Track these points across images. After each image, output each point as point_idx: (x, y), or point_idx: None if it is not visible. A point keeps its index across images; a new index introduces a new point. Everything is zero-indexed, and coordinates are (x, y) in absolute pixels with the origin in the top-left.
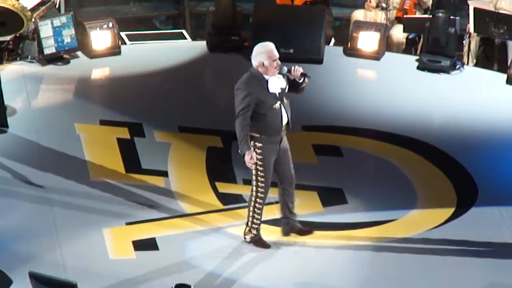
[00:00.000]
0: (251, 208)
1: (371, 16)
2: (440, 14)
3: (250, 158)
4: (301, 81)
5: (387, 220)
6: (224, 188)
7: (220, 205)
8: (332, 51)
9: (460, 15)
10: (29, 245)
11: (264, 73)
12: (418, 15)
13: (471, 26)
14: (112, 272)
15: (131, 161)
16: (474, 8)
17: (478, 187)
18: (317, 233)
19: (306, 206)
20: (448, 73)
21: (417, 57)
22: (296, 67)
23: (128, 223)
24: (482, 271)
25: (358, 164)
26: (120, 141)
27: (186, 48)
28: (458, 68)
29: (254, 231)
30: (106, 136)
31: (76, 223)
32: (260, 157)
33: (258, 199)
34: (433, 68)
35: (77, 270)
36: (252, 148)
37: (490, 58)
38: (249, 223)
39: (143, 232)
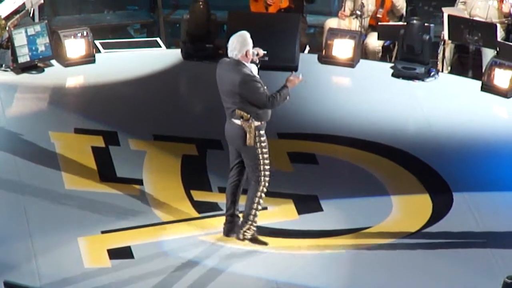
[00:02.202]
0: (256, 202)
1: (345, 24)
2: (415, 22)
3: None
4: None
5: (363, 227)
6: (199, 196)
7: (195, 213)
8: (307, 59)
9: (435, 22)
10: (3, 253)
11: (246, 62)
12: (392, 22)
13: (445, 33)
14: (88, 280)
15: (106, 170)
16: (449, 15)
17: (453, 194)
18: (293, 240)
19: (282, 214)
20: (423, 80)
21: (391, 64)
22: (258, 49)
23: (103, 232)
24: (459, 276)
25: (334, 172)
26: (95, 149)
27: (161, 56)
28: (433, 75)
29: (254, 228)
30: (80, 145)
31: (51, 232)
32: (264, 144)
33: (265, 189)
34: (407, 75)
35: (52, 279)
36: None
37: (464, 65)
38: (251, 220)
39: (118, 240)
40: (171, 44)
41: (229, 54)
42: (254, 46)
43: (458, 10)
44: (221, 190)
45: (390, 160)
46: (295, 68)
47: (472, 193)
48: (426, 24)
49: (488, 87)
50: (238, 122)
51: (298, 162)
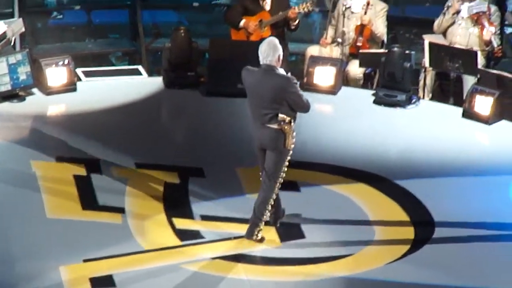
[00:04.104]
0: (270, 202)
1: (326, 52)
2: (395, 49)
3: None
4: None
5: (345, 255)
6: (182, 224)
7: (177, 241)
8: None
9: (415, 49)
10: None
11: (278, 67)
12: (373, 50)
13: (426, 61)
14: None
15: (88, 198)
16: (429, 43)
17: (434, 221)
18: (275, 268)
19: (264, 241)
20: (404, 107)
21: (373, 92)
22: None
23: (85, 260)
24: None
25: (316, 199)
26: (77, 177)
27: (142, 84)
28: (414, 102)
29: (262, 227)
30: (62, 173)
31: (32, 260)
32: (295, 140)
33: (277, 190)
34: (389, 103)
35: None
36: None
37: (445, 92)
38: (263, 220)
39: (100, 269)
40: (152, 72)
41: (262, 61)
42: (234, 75)
43: (438, 38)
44: (204, 218)
45: (372, 187)
46: None
47: (453, 220)
48: (407, 52)
49: (469, 114)
50: (275, 126)
51: (281, 190)
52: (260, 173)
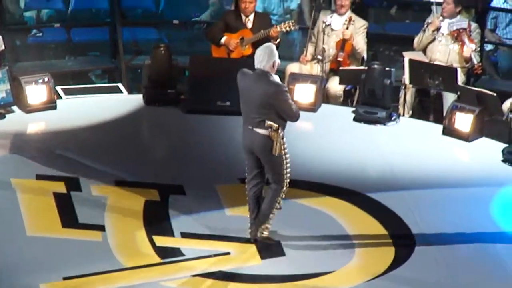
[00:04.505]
0: (277, 202)
1: (306, 69)
2: (375, 66)
3: None
4: None
5: (325, 272)
6: (162, 241)
7: (157, 259)
8: None
9: (396, 66)
10: None
11: (272, 73)
12: (353, 66)
13: (406, 78)
14: None
15: (68, 216)
16: (409, 60)
17: (414, 237)
18: (256, 285)
19: (245, 259)
20: (384, 124)
21: (353, 109)
22: None
23: (65, 278)
24: None
25: (296, 216)
26: (57, 195)
27: (123, 101)
28: (394, 119)
29: (270, 226)
30: (42, 191)
31: (12, 278)
32: (287, 150)
33: (285, 189)
34: (369, 120)
35: None
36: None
37: (425, 109)
38: (270, 219)
39: (81, 286)
40: (132, 90)
41: (257, 66)
42: (214, 93)
43: (418, 55)
44: (184, 235)
45: (352, 204)
46: None
47: (434, 236)
48: (387, 69)
49: (449, 131)
50: (264, 132)
51: None
52: (246, 174)
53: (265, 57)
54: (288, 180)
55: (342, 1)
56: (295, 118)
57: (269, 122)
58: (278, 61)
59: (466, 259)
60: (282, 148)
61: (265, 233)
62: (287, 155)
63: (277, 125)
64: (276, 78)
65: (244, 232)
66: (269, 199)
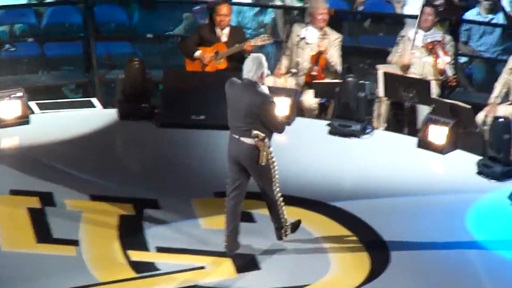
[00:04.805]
0: (281, 208)
1: (281, 82)
2: (350, 79)
3: None
4: None
5: (301, 285)
6: (137, 256)
7: (133, 273)
8: None
9: (370, 79)
10: None
11: (260, 83)
12: (328, 79)
13: (380, 90)
14: None
15: (42, 231)
16: (384, 73)
17: (389, 250)
18: None
19: (220, 273)
20: (359, 137)
21: (328, 122)
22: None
23: None
24: None
25: (271, 230)
26: (31, 210)
27: (96, 116)
28: (369, 132)
29: (289, 224)
30: (16, 206)
31: None
32: (274, 158)
33: (280, 197)
34: (344, 133)
35: None
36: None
37: (400, 121)
38: (284, 221)
39: None
40: (107, 104)
41: (245, 76)
42: (188, 107)
43: (393, 67)
44: (159, 249)
45: (327, 217)
46: None
47: (408, 249)
48: (361, 82)
49: (423, 144)
50: (250, 141)
51: None
52: (227, 186)
53: (254, 67)
54: (279, 189)
55: (323, 16)
56: (280, 129)
57: (255, 132)
58: (267, 71)
59: (441, 268)
60: (269, 157)
61: (288, 232)
62: (275, 164)
63: (264, 135)
64: (264, 89)
65: (220, 246)
66: (272, 207)
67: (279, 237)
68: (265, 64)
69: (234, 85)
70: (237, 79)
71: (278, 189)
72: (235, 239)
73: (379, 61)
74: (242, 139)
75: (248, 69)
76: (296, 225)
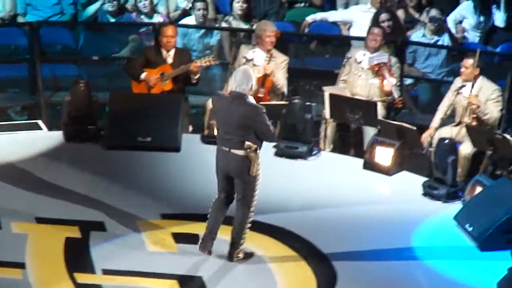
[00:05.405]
0: (247, 227)
1: None
2: (296, 101)
3: None
4: None
5: None
6: (83, 278)
7: None
8: (190, 139)
9: (316, 101)
10: None
11: (248, 95)
12: (274, 101)
13: (327, 112)
14: None
15: None
16: (330, 94)
17: (336, 272)
18: None
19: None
20: (305, 159)
21: (274, 144)
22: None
23: None
24: None
25: (218, 252)
26: None
27: (42, 138)
28: (315, 154)
29: (243, 247)
30: None
31: None
32: (260, 171)
33: (253, 214)
34: (290, 154)
35: None
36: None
37: (346, 143)
38: (241, 242)
39: None
40: (52, 126)
41: (236, 88)
42: (134, 128)
43: (339, 89)
44: (105, 272)
45: (274, 239)
46: (177, 149)
47: (356, 271)
48: (307, 103)
49: (370, 165)
50: (241, 152)
51: (183, 243)
52: (215, 199)
53: (245, 80)
54: (255, 203)
55: (271, 38)
56: (272, 138)
57: (247, 143)
58: (255, 83)
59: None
60: (258, 169)
61: (240, 255)
62: (260, 177)
63: (256, 146)
64: (252, 100)
65: (166, 268)
66: (239, 224)
67: (230, 257)
68: (253, 77)
69: (222, 99)
70: (223, 92)
71: (255, 203)
72: (211, 240)
73: (326, 83)
74: (233, 151)
75: (240, 82)
76: (249, 255)
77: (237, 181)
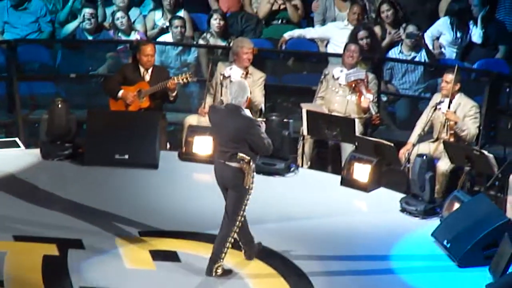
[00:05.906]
0: (228, 241)
1: (205, 121)
2: (274, 117)
3: None
4: None
5: None
6: None
7: None
8: (167, 156)
9: (294, 117)
10: None
11: (244, 108)
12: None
13: (304, 129)
14: None
15: None
16: (307, 111)
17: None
18: None
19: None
20: (283, 175)
21: None
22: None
23: None
24: None
25: (196, 269)
26: None
27: (19, 156)
28: (293, 171)
29: (222, 263)
30: None
31: None
32: (253, 185)
33: (238, 229)
34: (268, 171)
35: None
36: None
37: (324, 160)
38: (222, 257)
39: None
40: (30, 144)
41: (232, 101)
42: (112, 146)
43: (316, 106)
44: None
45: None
46: (155, 166)
47: (333, 286)
48: (285, 120)
49: (347, 182)
50: (236, 164)
51: (160, 260)
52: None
53: (241, 93)
54: (242, 219)
55: (248, 55)
56: (266, 150)
57: (241, 155)
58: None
59: None
60: (252, 181)
61: (219, 271)
62: (252, 191)
63: (249, 158)
64: (247, 113)
65: (144, 285)
66: (221, 238)
67: (209, 272)
68: (249, 89)
69: (218, 111)
70: (220, 105)
71: (242, 219)
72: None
73: (303, 100)
74: (228, 163)
75: (236, 94)
76: (227, 272)
77: (231, 192)
